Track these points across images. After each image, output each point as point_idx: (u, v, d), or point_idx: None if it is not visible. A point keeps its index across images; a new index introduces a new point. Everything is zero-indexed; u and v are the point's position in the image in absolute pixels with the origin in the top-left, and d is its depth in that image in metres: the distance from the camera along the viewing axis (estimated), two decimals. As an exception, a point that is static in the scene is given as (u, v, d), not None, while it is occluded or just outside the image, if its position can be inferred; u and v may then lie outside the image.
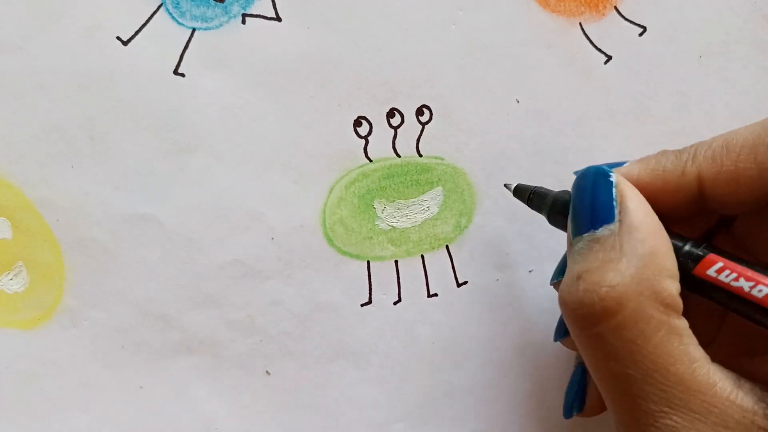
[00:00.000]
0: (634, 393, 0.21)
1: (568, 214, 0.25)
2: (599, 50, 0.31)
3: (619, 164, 0.25)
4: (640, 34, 0.32)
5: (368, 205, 0.31)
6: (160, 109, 0.29)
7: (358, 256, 0.31)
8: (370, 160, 0.31)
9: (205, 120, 0.30)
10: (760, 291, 0.22)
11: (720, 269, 0.22)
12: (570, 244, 0.23)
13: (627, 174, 0.24)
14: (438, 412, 0.32)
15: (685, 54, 0.32)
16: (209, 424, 0.31)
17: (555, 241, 0.32)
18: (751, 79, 0.32)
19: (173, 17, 0.29)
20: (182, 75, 0.29)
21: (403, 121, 0.31)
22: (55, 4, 0.28)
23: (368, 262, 0.31)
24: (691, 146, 0.24)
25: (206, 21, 0.29)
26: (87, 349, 0.30)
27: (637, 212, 0.22)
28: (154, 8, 0.29)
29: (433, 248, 0.31)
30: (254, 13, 0.29)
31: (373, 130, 0.31)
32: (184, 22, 0.29)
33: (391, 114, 0.30)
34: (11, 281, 0.30)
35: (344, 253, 0.31)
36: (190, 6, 0.29)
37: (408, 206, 0.31)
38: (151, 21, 0.29)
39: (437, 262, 0.32)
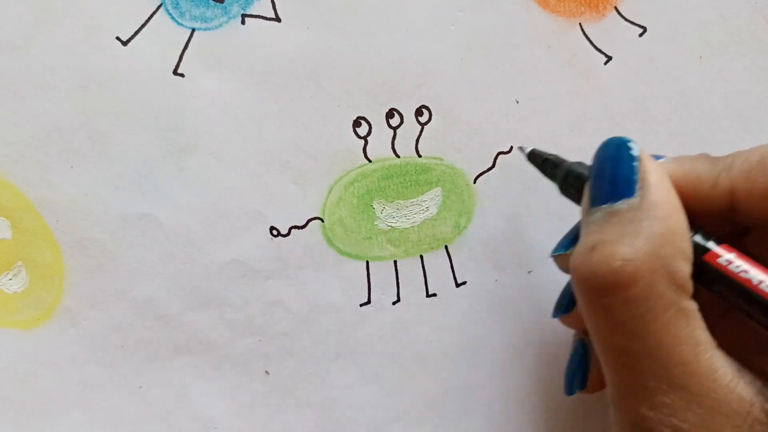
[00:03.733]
0: (635, 367, 0.21)
1: (580, 187, 0.24)
2: (599, 51, 0.31)
3: (656, 158, 0.24)
4: (640, 35, 0.32)
5: (367, 205, 0.31)
6: (159, 110, 0.29)
7: (357, 257, 0.31)
8: (370, 161, 0.31)
9: (205, 120, 0.30)
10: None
11: (730, 260, 0.22)
12: (585, 213, 0.23)
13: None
14: (437, 412, 0.32)
15: (685, 54, 0.32)
16: (208, 424, 0.31)
17: (554, 241, 0.31)
18: (751, 80, 0.32)
19: (173, 17, 0.29)
20: (182, 75, 0.29)
21: (402, 122, 0.31)
22: (55, 4, 0.28)
23: (367, 263, 0.31)
24: (729, 156, 0.23)
25: (206, 21, 0.29)
26: (86, 348, 0.30)
27: (657, 189, 0.22)
28: (154, 8, 0.29)
29: (432, 248, 0.31)
30: (254, 13, 0.29)
31: (373, 130, 0.31)
32: (183, 23, 0.29)
33: (390, 114, 0.31)
34: (11, 281, 0.30)
35: (343, 253, 0.31)
36: (190, 6, 0.29)
37: (407, 206, 0.31)
38: (151, 21, 0.29)
39: (436, 262, 0.32)
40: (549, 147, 0.31)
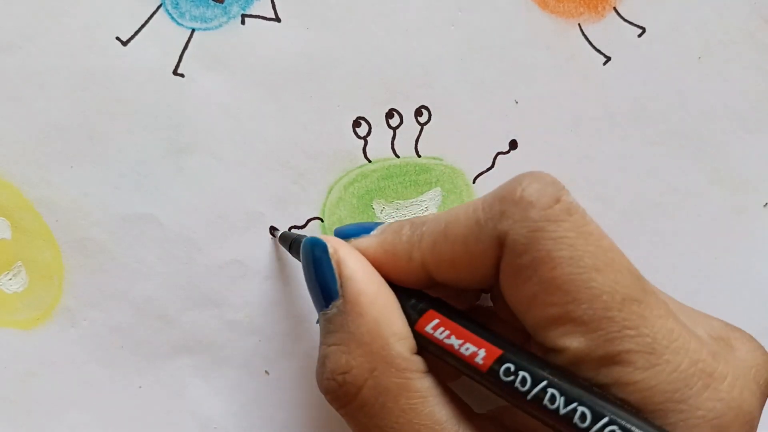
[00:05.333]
0: None
1: None
2: (598, 51, 0.31)
3: (368, 228, 0.25)
4: (639, 35, 0.32)
5: (367, 205, 0.31)
6: (159, 109, 0.29)
7: None
8: (369, 161, 0.31)
9: (205, 120, 0.30)
10: (467, 349, 0.22)
11: (436, 326, 0.22)
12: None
13: (363, 250, 0.24)
14: (437, 412, 0.32)
15: (685, 55, 0.32)
16: (208, 424, 0.31)
17: None
18: (750, 80, 0.32)
19: (172, 18, 0.29)
20: (181, 75, 0.29)
21: (402, 122, 0.31)
22: (54, 4, 0.28)
23: None
24: (421, 225, 0.24)
25: (205, 21, 0.29)
26: (86, 348, 0.30)
27: (354, 280, 0.22)
28: (154, 8, 0.29)
29: (432, 248, 0.31)
30: (253, 13, 0.29)
31: (372, 130, 0.31)
32: (183, 23, 0.29)
33: (390, 114, 0.31)
34: (10, 281, 0.30)
35: None
36: (190, 6, 0.29)
37: (407, 207, 0.31)
38: (151, 21, 0.29)
39: (436, 262, 0.32)
40: (547, 147, 0.32)
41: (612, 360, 0.20)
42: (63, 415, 0.30)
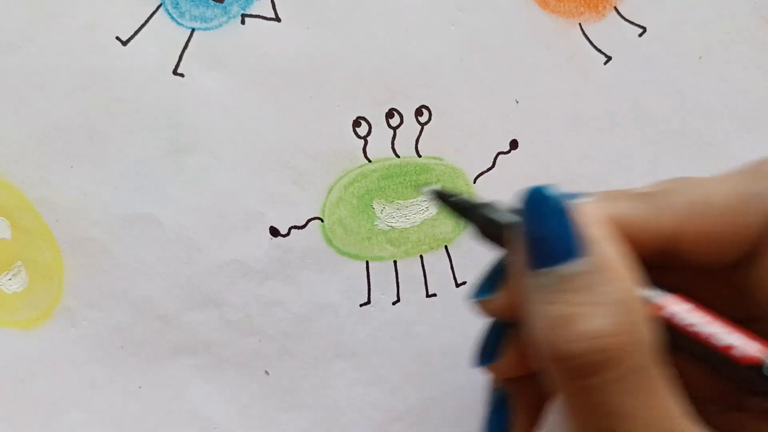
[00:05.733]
0: None
1: (501, 235, 0.21)
2: (599, 51, 0.31)
3: (573, 197, 0.21)
4: (640, 35, 0.32)
5: (367, 205, 0.31)
6: (159, 109, 0.29)
7: (357, 257, 0.31)
8: (369, 161, 0.31)
9: (205, 120, 0.30)
10: (734, 339, 0.19)
11: (688, 311, 0.20)
12: (524, 275, 0.20)
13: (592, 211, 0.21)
14: (437, 412, 0.32)
15: (685, 54, 0.32)
16: (207, 424, 0.31)
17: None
18: (750, 80, 0.32)
19: (172, 17, 0.29)
20: (181, 75, 0.29)
21: (402, 122, 0.31)
22: (54, 4, 0.28)
23: (367, 263, 0.31)
24: (660, 192, 0.21)
25: (205, 21, 0.29)
26: (86, 348, 0.30)
27: (606, 247, 0.20)
28: (154, 8, 0.29)
29: (432, 248, 0.31)
30: (253, 13, 0.29)
31: (372, 130, 0.30)
32: (183, 23, 0.29)
33: (390, 114, 0.30)
34: (10, 281, 0.30)
35: (343, 253, 0.31)
36: (190, 6, 0.29)
37: (407, 206, 0.31)
38: (151, 21, 0.29)
39: (436, 262, 0.32)
40: (548, 147, 0.31)
41: None
42: (63, 415, 0.30)
